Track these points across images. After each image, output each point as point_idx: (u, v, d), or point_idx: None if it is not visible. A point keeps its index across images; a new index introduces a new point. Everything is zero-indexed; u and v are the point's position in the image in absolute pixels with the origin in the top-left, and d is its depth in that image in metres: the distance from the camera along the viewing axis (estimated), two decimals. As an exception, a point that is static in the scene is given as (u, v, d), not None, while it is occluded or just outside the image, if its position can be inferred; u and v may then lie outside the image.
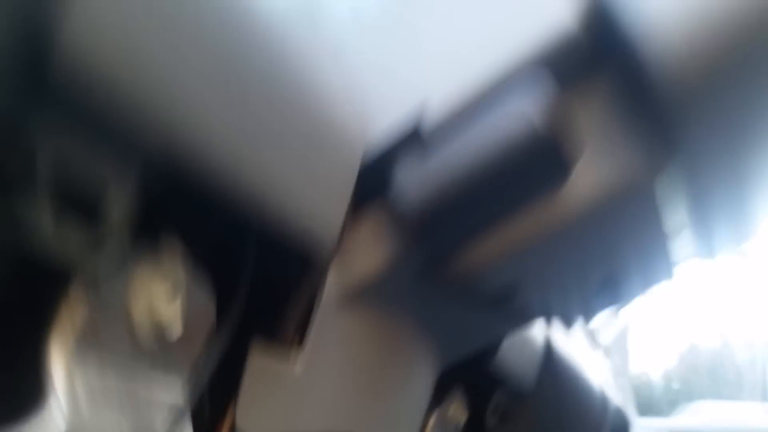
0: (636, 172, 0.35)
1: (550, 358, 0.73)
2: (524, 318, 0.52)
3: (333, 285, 0.38)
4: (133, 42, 0.22)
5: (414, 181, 0.35)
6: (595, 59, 0.35)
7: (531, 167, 0.34)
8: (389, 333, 0.44)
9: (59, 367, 0.25)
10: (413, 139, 0.36)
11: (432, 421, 0.58)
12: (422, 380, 0.51)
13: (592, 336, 1.04)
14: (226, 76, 0.26)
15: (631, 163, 0.35)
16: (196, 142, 0.25)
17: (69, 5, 0.19)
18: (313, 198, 0.33)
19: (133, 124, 0.23)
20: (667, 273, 0.49)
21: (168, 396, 0.30)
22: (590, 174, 0.36)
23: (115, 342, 0.27)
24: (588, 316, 0.54)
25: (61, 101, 0.20)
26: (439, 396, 0.60)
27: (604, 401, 0.88)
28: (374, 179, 0.37)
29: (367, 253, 0.38)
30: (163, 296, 0.29)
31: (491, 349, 0.60)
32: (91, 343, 0.26)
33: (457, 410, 0.62)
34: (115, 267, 0.26)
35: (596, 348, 1.03)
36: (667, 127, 0.34)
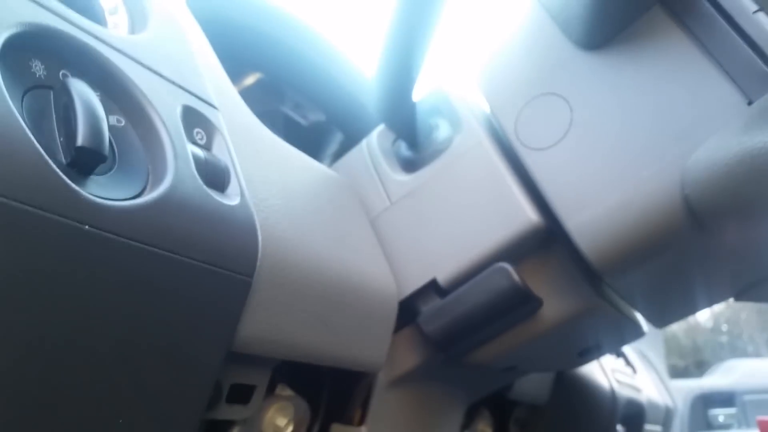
0: (583, 302, 0.50)
1: (561, 374, 0.88)
2: (527, 374, 0.68)
3: (383, 379, 0.54)
4: (280, 326, 0.39)
5: (434, 315, 0.51)
6: (550, 239, 0.50)
7: (511, 305, 0.49)
8: (424, 397, 0.60)
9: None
10: (432, 288, 0.52)
11: (465, 437, 0.75)
12: (453, 416, 0.67)
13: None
14: (320, 313, 0.43)
15: (580, 297, 0.50)
16: (301, 348, 0.42)
17: (245, 320, 0.36)
18: (365, 338, 0.49)
19: (273, 357, 0.40)
20: (637, 335, 0.64)
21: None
22: (553, 305, 0.51)
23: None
24: (575, 368, 0.69)
25: (239, 360, 0.38)
26: (468, 418, 0.76)
27: (613, 398, 1.03)
28: (407, 313, 0.53)
29: (405, 358, 0.55)
30: (281, 416, 0.45)
31: (508, 384, 0.76)
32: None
33: (483, 427, 0.79)
34: (256, 411, 0.43)
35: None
36: (599, 278, 0.49)
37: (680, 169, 0.42)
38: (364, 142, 0.63)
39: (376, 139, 0.62)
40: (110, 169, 0.31)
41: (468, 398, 0.68)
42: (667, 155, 0.43)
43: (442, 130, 0.58)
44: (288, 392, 0.47)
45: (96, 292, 0.28)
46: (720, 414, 2.55)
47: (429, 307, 0.52)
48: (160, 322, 0.31)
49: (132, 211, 0.29)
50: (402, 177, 0.58)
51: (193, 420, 0.34)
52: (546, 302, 0.51)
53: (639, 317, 0.63)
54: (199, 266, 0.32)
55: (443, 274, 0.52)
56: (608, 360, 1.10)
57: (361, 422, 0.53)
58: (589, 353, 0.63)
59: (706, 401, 2.58)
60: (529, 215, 0.49)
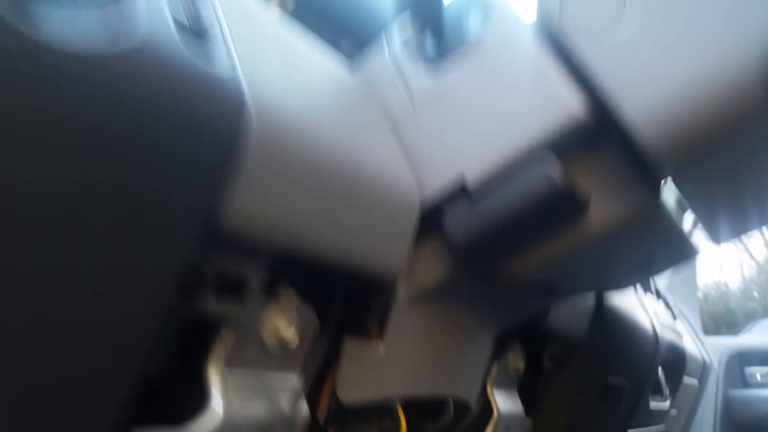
0: (637, 206, 0.42)
1: (600, 309, 0.80)
2: (565, 296, 0.60)
3: (404, 292, 0.47)
4: (276, 209, 0.33)
5: (463, 222, 0.43)
6: (600, 134, 0.42)
7: (552, 207, 0.41)
8: (449, 317, 0.53)
9: (217, 377, 0.36)
10: (459, 193, 0.44)
11: (494, 370, 0.67)
12: (481, 343, 0.60)
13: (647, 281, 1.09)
14: (326, 205, 0.36)
15: (633, 199, 0.42)
16: (303, 241, 0.35)
17: (233, 197, 0.30)
18: (387, 247, 0.42)
19: (268, 246, 0.33)
20: (689, 255, 0.55)
21: (291, 383, 0.41)
22: (602, 209, 0.43)
23: (253, 356, 0.38)
24: (620, 289, 0.61)
25: (227, 243, 0.31)
26: (499, 350, 0.69)
27: (655, 340, 0.94)
28: (431, 220, 0.45)
29: (428, 269, 0.47)
30: (283, 323, 0.39)
31: (543, 312, 0.68)
32: (238, 359, 0.37)
33: (515, 360, 0.71)
34: (252, 313, 0.37)
35: (648, 290, 1.08)
36: (659, 176, 0.41)
37: (760, 42, 0.34)
38: (382, 41, 0.54)
39: (397, 35, 0.54)
40: (70, 12, 0.25)
41: (499, 324, 0.60)
42: (744, 25, 0.35)
43: (473, 23, 0.50)
44: (292, 296, 0.40)
45: (43, 144, 0.23)
46: (757, 372, 2.45)
47: (456, 211, 0.44)
48: (122, 184, 0.25)
49: (97, 61, 0.25)
50: (427, 75, 0.50)
51: (161, 299, 0.28)
52: (594, 204, 0.43)
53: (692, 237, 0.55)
54: (170, 128, 0.27)
55: (473, 173, 0.44)
56: (649, 300, 1.02)
57: (380, 333, 0.46)
58: (638, 272, 0.55)
59: (743, 359, 2.48)
60: (573, 104, 0.41)
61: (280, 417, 0.39)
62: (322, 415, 0.48)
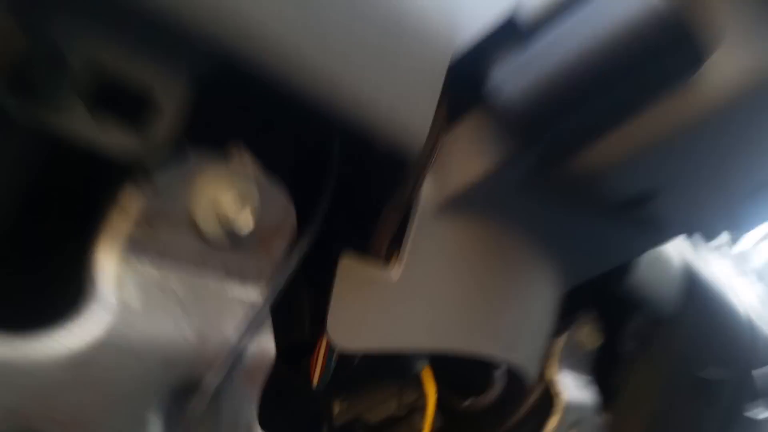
0: None
1: (692, 281, 0.63)
2: (659, 230, 0.43)
3: (431, 192, 0.32)
4: None
5: (515, 74, 0.28)
6: None
7: (654, 52, 0.26)
8: (496, 241, 0.37)
9: (108, 263, 0.21)
10: (509, 30, 0.29)
11: (561, 344, 0.51)
12: (545, 297, 0.44)
13: (740, 260, 0.91)
14: None
15: None
16: (254, 33, 0.20)
17: None
18: (400, 95, 0.27)
19: (187, 34, 0.19)
20: None
21: (244, 295, 0.26)
22: (729, 63, 0.27)
23: (178, 244, 0.24)
24: (736, 229, 0.44)
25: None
26: (569, 319, 0.53)
27: (752, 329, 0.76)
28: (469, 76, 0.30)
29: (468, 158, 0.32)
30: (230, 199, 0.24)
31: (625, 270, 0.52)
32: (147, 239, 0.23)
33: (590, 334, 0.55)
34: (170, 165, 0.22)
35: (744, 273, 0.89)
36: None
37: None
38: None
39: None
40: None
41: (568, 267, 0.43)
42: None
43: None
44: (248, 161, 0.26)
45: None
46: None
47: (505, 61, 0.29)
48: None
49: None
50: None
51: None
52: (717, 53, 0.27)
53: None
54: None
55: (531, 1, 0.29)
56: (745, 285, 0.83)
57: (393, 253, 0.31)
58: (763, 199, 0.38)
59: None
60: None
61: (218, 346, 0.24)
62: (316, 375, 0.34)
